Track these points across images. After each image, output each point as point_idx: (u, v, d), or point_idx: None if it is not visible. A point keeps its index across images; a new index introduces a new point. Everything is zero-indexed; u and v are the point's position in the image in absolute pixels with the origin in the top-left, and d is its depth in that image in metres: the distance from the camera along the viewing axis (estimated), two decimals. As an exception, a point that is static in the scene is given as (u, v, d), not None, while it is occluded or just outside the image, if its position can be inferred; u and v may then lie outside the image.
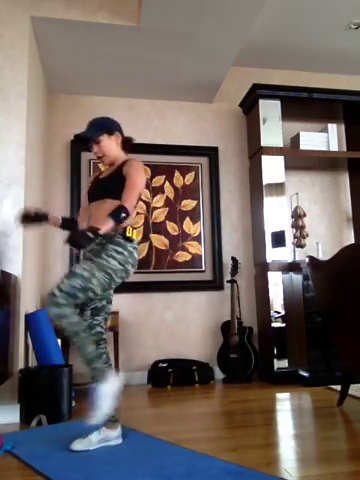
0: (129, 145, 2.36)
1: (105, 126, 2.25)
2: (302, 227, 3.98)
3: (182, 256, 4.08)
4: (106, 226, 1.96)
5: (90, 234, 1.89)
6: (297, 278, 3.70)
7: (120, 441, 2.11)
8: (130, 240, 2.12)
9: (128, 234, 2.11)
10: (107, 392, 2.00)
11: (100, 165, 2.49)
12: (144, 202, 4.07)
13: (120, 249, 2.08)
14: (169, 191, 4.16)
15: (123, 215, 2.01)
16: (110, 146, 2.25)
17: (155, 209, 4.10)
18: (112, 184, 2.18)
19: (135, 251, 2.16)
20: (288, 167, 4.13)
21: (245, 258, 4.18)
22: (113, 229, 2.03)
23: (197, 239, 4.14)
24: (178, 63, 3.69)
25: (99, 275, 2.01)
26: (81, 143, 2.37)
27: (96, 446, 2.06)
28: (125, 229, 2.10)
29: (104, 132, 2.23)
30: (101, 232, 1.93)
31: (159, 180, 4.15)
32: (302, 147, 4.08)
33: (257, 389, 3.48)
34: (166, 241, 4.07)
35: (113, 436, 2.10)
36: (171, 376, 3.61)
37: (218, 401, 3.20)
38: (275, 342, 3.70)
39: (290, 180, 4.29)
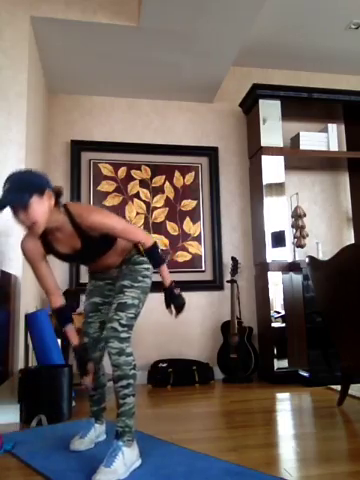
0: (60, 197, 1.89)
1: (34, 185, 1.76)
2: (302, 227, 3.98)
3: (182, 256, 4.08)
4: (167, 273, 2.00)
5: (177, 291, 1.98)
6: (297, 278, 3.70)
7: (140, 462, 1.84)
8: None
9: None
10: (129, 458, 1.76)
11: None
12: (144, 202, 4.07)
13: (146, 265, 2.03)
14: (169, 191, 4.16)
15: (160, 251, 2.00)
16: (43, 210, 1.76)
17: (155, 209, 4.10)
18: (99, 248, 1.96)
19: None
20: (288, 167, 4.13)
21: (245, 258, 4.18)
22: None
23: (197, 239, 4.14)
24: (178, 63, 3.69)
25: (143, 298, 1.99)
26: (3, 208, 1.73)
27: (96, 442, 2.11)
28: (138, 247, 1.97)
29: (34, 193, 1.74)
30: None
31: (159, 180, 4.15)
32: (302, 147, 4.08)
33: (257, 389, 3.48)
34: (166, 241, 4.07)
35: (135, 457, 1.83)
36: (171, 376, 3.61)
37: (218, 401, 3.20)
38: (275, 342, 3.70)
39: (290, 180, 4.29)
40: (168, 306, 1.97)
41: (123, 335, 1.84)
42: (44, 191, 1.78)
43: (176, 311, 1.96)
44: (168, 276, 2.00)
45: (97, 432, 2.14)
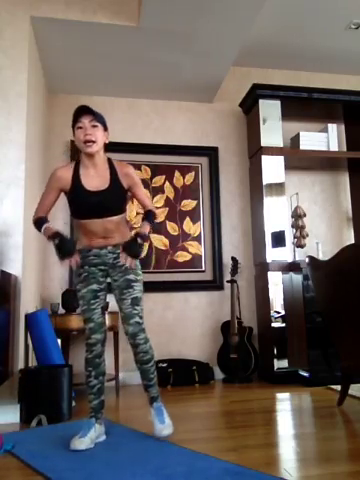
0: (105, 150, 2.31)
1: (104, 120, 2.24)
2: (302, 227, 3.98)
3: (182, 256, 4.08)
4: (147, 230, 2.23)
5: (140, 241, 2.15)
6: (297, 278, 3.70)
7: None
8: None
9: None
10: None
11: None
12: (144, 202, 4.07)
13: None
14: (169, 191, 4.16)
15: (155, 220, 2.36)
16: (102, 138, 2.20)
17: (155, 209, 4.10)
18: (117, 200, 2.22)
19: None
20: (288, 167, 4.13)
21: (245, 258, 4.18)
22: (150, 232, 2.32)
23: (197, 239, 4.14)
24: (178, 63, 3.69)
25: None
26: (77, 116, 2.18)
27: (95, 442, 2.12)
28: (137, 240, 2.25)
29: (103, 124, 2.21)
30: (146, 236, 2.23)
31: (159, 180, 4.15)
32: (302, 147, 4.08)
33: (257, 389, 3.48)
34: (166, 241, 4.07)
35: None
36: (171, 376, 3.61)
37: (218, 401, 3.20)
38: (275, 342, 3.70)
39: (290, 180, 4.29)
40: (124, 249, 2.15)
41: (143, 326, 2.21)
42: (107, 130, 2.24)
43: (127, 253, 2.14)
44: (146, 229, 2.22)
45: (97, 432, 2.14)
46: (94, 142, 2.14)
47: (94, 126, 2.15)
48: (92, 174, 2.20)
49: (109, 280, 2.27)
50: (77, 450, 2.01)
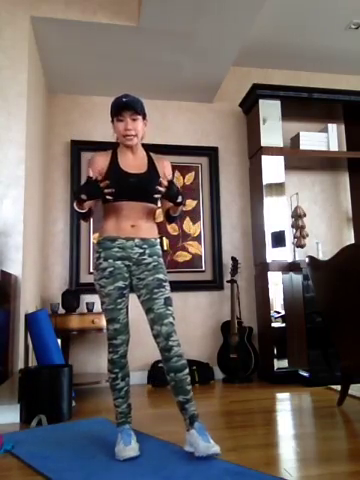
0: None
1: (143, 107, 2.13)
2: (302, 227, 3.98)
3: (182, 256, 4.08)
4: (180, 209, 2.20)
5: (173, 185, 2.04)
6: (297, 278, 3.70)
7: None
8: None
9: (165, 247, 2.30)
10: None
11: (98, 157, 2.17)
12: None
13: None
14: (169, 191, 4.15)
15: (182, 204, 2.19)
16: (142, 129, 2.14)
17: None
18: (154, 185, 2.07)
19: None
20: (288, 167, 4.13)
21: (245, 258, 4.18)
22: (174, 211, 2.20)
23: (197, 239, 4.14)
24: (178, 63, 3.69)
25: None
26: (116, 111, 2.09)
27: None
28: (162, 241, 2.22)
29: (144, 114, 2.13)
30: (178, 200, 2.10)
31: (159, 180, 4.14)
32: (302, 147, 4.08)
33: (257, 389, 3.48)
34: (166, 241, 4.07)
35: None
36: (171, 376, 3.61)
37: (218, 401, 3.20)
38: (275, 342, 3.70)
39: (290, 180, 4.29)
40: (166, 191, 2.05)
41: (175, 327, 2.05)
42: (145, 117, 2.15)
43: (169, 193, 2.05)
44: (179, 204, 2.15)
45: (134, 434, 2.02)
46: (135, 136, 2.10)
47: (134, 119, 2.08)
48: (130, 159, 2.16)
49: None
50: (130, 458, 1.87)
